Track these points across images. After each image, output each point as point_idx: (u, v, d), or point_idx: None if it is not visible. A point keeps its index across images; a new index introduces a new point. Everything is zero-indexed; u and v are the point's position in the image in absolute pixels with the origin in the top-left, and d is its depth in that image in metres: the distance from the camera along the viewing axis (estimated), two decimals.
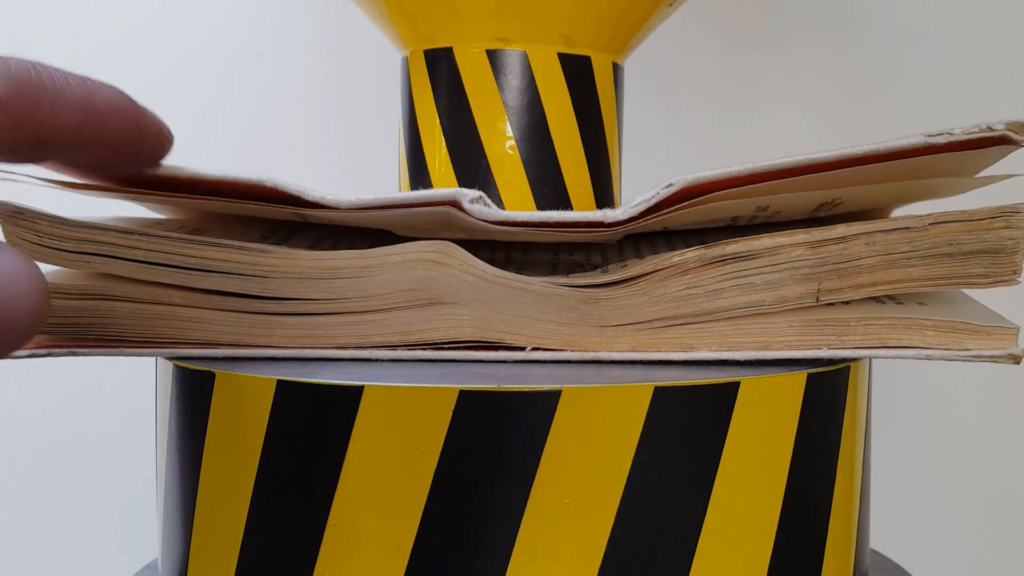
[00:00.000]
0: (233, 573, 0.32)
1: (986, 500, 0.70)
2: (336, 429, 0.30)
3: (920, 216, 0.32)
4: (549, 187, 0.37)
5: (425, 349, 0.33)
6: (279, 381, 0.31)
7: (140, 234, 0.33)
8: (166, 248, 0.33)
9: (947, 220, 0.32)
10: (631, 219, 0.32)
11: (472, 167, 0.37)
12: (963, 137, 0.30)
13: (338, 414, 0.30)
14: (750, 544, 0.32)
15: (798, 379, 0.33)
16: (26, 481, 0.70)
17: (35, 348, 0.34)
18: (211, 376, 0.33)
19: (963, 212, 0.32)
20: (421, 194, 0.31)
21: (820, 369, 0.33)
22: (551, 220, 0.32)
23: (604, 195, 0.39)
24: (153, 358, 0.37)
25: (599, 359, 0.33)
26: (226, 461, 0.33)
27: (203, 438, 0.33)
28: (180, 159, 0.32)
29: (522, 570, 0.30)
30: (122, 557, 0.54)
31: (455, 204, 0.31)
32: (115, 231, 0.33)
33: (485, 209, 0.31)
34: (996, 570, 0.71)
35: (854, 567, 0.36)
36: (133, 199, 0.34)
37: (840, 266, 0.32)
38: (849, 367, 0.35)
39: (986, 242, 0.32)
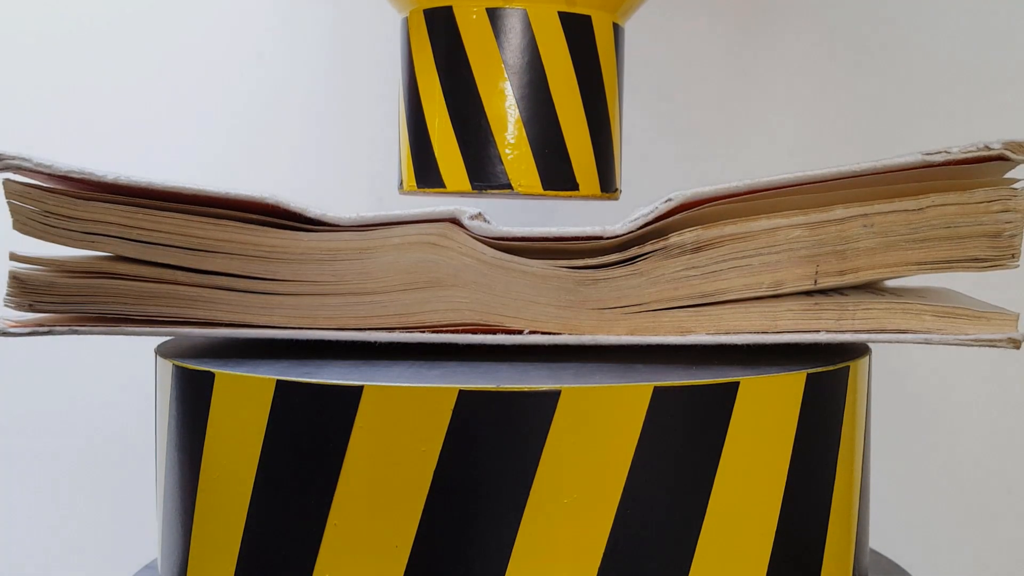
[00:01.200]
0: (232, 573, 0.32)
1: (985, 500, 0.70)
2: (336, 429, 0.30)
3: (917, 198, 0.32)
4: (550, 147, 0.37)
5: (424, 332, 0.33)
6: (278, 381, 0.31)
7: (147, 209, 0.33)
8: (171, 227, 0.33)
9: (944, 203, 0.32)
10: (630, 232, 0.32)
11: (473, 127, 0.37)
12: (960, 156, 0.31)
13: (338, 414, 0.30)
14: (749, 544, 0.32)
15: (797, 379, 0.33)
16: (25, 481, 0.70)
17: (36, 326, 0.34)
18: (211, 376, 0.33)
19: (960, 194, 0.31)
20: (421, 211, 0.32)
21: (820, 369, 0.33)
22: (550, 236, 0.32)
23: (604, 156, 0.38)
24: (154, 357, 0.37)
25: (597, 343, 0.33)
26: (226, 461, 0.33)
27: (203, 438, 0.33)
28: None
29: (521, 570, 0.30)
30: (121, 557, 0.54)
31: (455, 221, 0.32)
32: (123, 207, 0.33)
33: (484, 225, 0.32)
34: (995, 570, 0.71)
35: (853, 567, 0.36)
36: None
37: (838, 248, 0.32)
38: (849, 367, 0.35)
39: (983, 225, 0.32)
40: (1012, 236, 0.31)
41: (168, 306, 0.34)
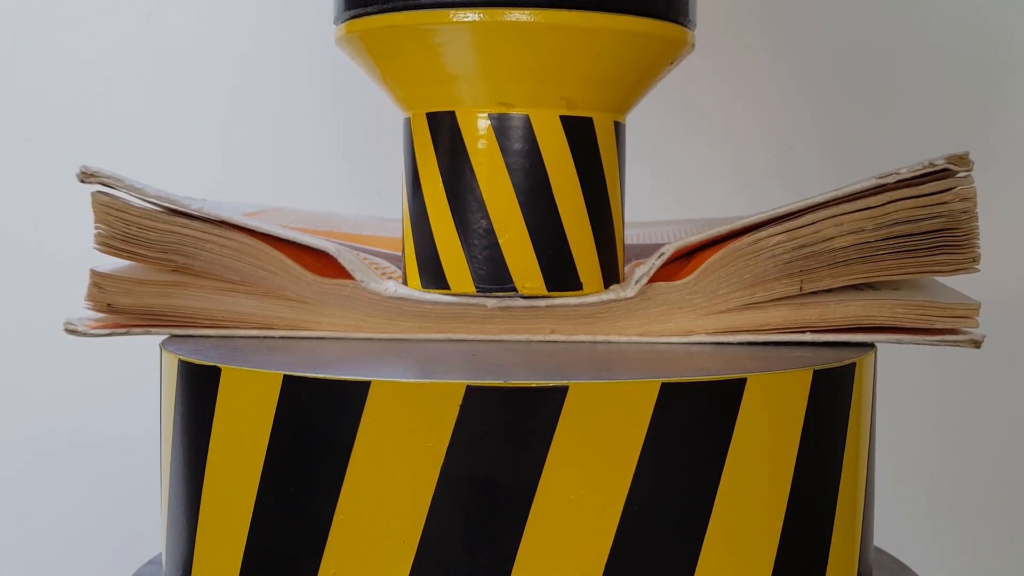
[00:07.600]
0: (238, 568, 0.32)
1: (989, 497, 0.70)
2: (343, 424, 0.30)
3: (877, 195, 0.35)
4: (553, 249, 0.38)
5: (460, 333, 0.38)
6: (285, 376, 0.31)
7: (219, 224, 0.37)
8: (238, 244, 0.37)
9: (901, 197, 0.35)
10: (639, 294, 0.37)
11: (476, 230, 0.37)
12: (909, 174, 0.35)
13: (345, 409, 0.30)
14: (755, 540, 0.32)
15: (804, 376, 0.33)
16: (29, 476, 0.70)
17: (114, 327, 0.38)
18: (217, 371, 0.33)
19: (913, 188, 0.35)
20: (456, 300, 0.37)
21: (826, 366, 0.33)
22: (570, 304, 0.37)
23: (607, 253, 0.39)
24: (159, 352, 0.37)
25: (609, 341, 0.37)
26: (231, 456, 0.33)
27: (208, 433, 0.33)
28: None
29: (528, 566, 0.30)
30: (126, 552, 0.54)
31: (482, 304, 0.37)
32: (199, 221, 0.37)
33: (508, 305, 0.37)
34: (999, 568, 0.71)
35: (858, 564, 0.36)
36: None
37: (815, 249, 0.36)
38: (855, 364, 0.35)
39: (942, 218, 0.35)
40: (970, 235, 0.35)
41: (232, 311, 0.38)
